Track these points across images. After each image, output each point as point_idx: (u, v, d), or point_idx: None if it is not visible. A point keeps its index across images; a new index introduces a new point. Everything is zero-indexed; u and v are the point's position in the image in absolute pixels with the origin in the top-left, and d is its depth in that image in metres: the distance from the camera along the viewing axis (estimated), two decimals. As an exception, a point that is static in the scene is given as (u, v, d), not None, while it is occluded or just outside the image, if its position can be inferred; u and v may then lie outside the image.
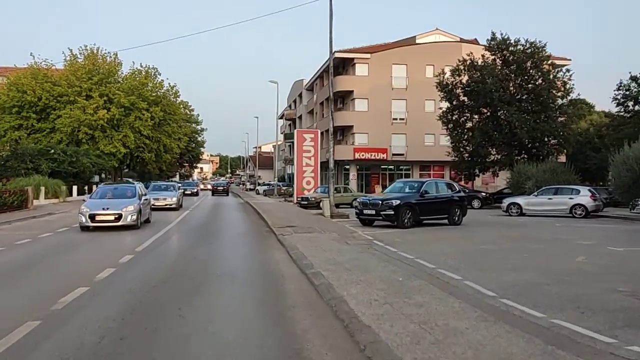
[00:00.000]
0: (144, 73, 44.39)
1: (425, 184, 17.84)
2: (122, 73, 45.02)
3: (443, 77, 34.88)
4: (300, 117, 67.01)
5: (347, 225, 17.45)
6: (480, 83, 31.69)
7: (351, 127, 46.79)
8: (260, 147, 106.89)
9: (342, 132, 49.03)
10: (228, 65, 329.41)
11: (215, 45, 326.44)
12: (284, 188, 47.11)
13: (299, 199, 31.32)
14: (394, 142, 46.68)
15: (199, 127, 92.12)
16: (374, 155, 46.02)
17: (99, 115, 40.12)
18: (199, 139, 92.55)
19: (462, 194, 19.14)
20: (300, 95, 66.49)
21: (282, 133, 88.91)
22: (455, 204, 17.97)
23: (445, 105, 36.26)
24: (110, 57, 43.90)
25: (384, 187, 51.01)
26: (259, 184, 68.53)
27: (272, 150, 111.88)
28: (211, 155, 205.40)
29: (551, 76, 32.04)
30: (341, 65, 49.83)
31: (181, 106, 49.27)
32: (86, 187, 38.96)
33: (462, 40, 47.87)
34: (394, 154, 46.57)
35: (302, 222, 17.66)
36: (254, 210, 25.72)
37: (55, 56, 70.83)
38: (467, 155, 34.56)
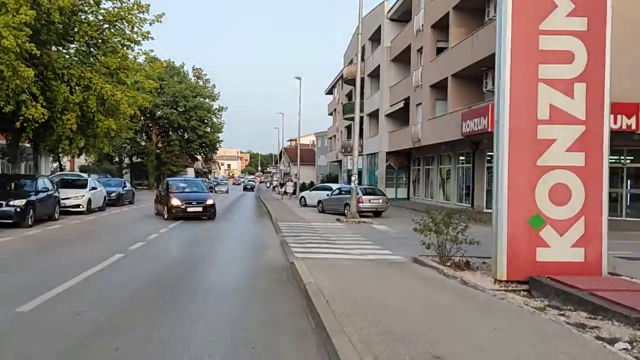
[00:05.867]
0: None
1: None
2: None
3: None
4: (372, 75, 39.21)
5: None
6: None
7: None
8: (295, 140, 79.28)
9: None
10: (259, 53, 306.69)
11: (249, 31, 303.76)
12: (376, 199, 18.94)
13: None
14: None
15: (215, 105, 65.30)
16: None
17: None
18: (215, 120, 65.57)
19: None
20: (373, 39, 38.59)
21: (329, 115, 61.67)
22: None
23: None
24: None
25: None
26: (302, 187, 41.07)
27: (313, 142, 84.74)
28: (241, 152, 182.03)
29: None
30: None
31: (143, 24, 20.60)
32: None
33: None
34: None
35: None
36: None
37: None
38: None
